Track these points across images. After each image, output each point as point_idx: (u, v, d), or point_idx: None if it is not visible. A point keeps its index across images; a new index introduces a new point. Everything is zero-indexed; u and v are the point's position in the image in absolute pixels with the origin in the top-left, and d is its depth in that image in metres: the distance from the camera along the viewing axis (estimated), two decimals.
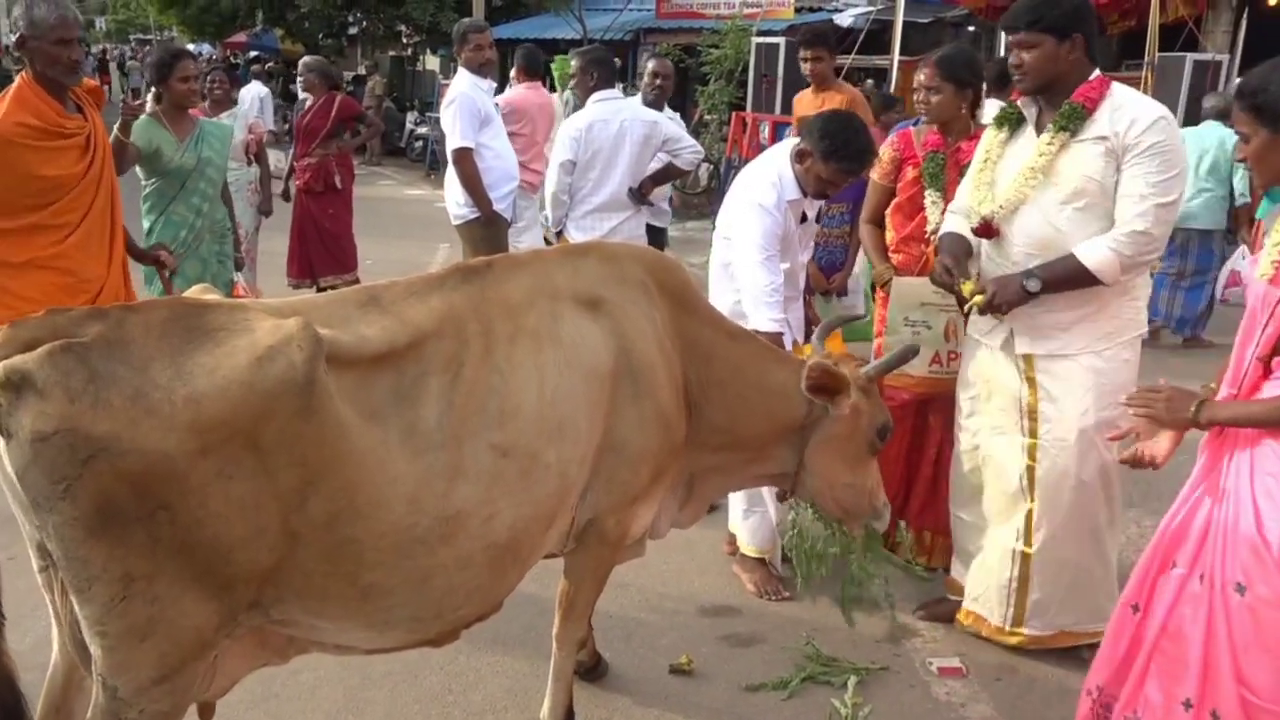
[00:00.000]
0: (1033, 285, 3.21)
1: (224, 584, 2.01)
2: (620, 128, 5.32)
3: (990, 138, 3.46)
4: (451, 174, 5.97)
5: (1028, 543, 3.46)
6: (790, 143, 3.95)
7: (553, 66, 11.30)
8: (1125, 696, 2.61)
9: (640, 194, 5.40)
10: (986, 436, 3.56)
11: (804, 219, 3.92)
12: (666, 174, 5.63)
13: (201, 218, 4.84)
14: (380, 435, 2.15)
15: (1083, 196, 3.18)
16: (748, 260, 3.70)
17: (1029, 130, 3.35)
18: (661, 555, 4.11)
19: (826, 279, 5.17)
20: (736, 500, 4.09)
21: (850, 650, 3.63)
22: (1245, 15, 13.00)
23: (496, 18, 21.85)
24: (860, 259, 5.25)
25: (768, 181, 3.77)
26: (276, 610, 2.14)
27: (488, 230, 5.85)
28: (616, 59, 6.00)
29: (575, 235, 5.39)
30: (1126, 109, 3.14)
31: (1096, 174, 3.16)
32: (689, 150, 5.41)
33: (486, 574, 2.36)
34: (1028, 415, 3.41)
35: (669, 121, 5.45)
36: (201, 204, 4.85)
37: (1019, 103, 3.38)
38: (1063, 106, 3.20)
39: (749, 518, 4.07)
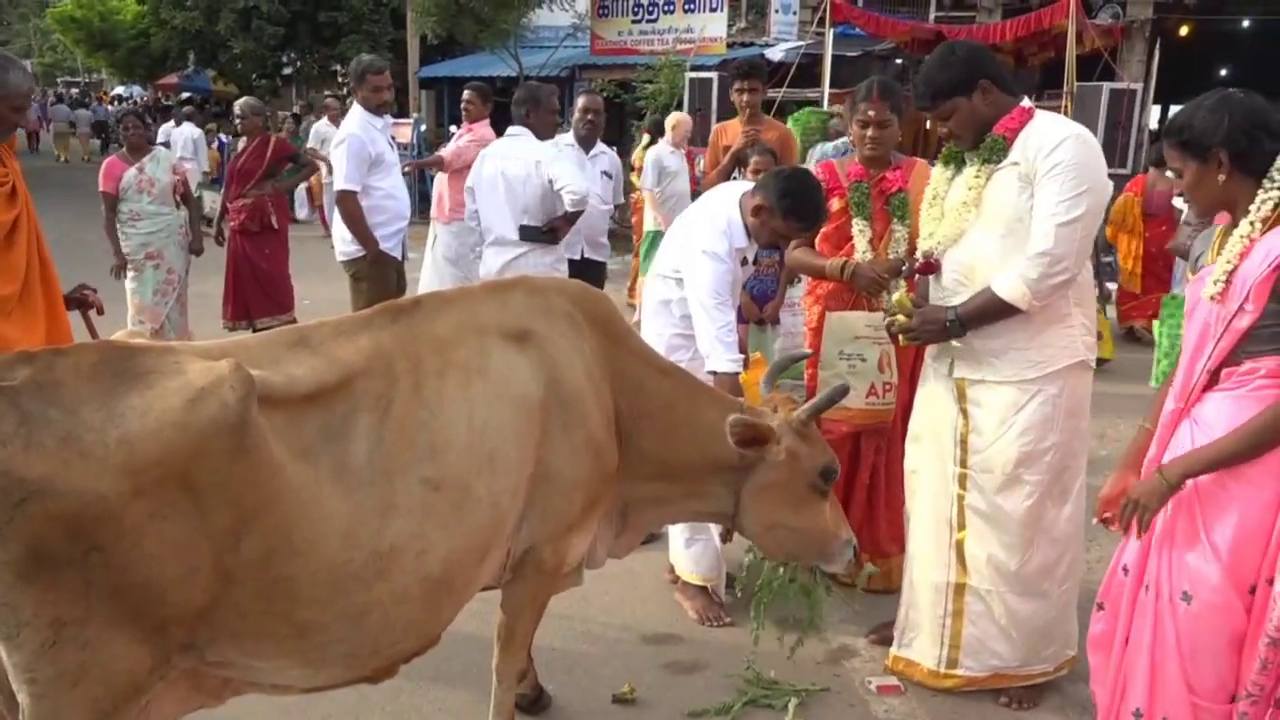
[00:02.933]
0: (955, 329, 3.29)
1: (157, 626, 2.01)
2: (495, 165, 5.31)
3: (938, 177, 3.51)
4: (338, 212, 5.91)
5: (960, 573, 3.46)
6: (736, 187, 4.02)
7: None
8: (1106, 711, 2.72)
9: (543, 232, 5.30)
10: (924, 463, 3.58)
11: (744, 262, 4.00)
12: (572, 214, 5.41)
13: None
14: (312, 473, 2.17)
15: (1002, 223, 3.24)
16: (702, 305, 3.75)
17: (968, 166, 3.39)
18: (603, 585, 4.14)
19: (759, 308, 5.25)
20: (678, 530, 4.13)
21: (791, 673, 3.67)
22: (1158, 46, 13.49)
23: (431, 56, 21.94)
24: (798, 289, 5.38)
25: (717, 229, 3.81)
26: (211, 651, 2.14)
27: (374, 269, 5.80)
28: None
29: (481, 267, 5.45)
30: (1037, 133, 3.19)
31: (1010, 199, 3.22)
32: (566, 191, 5.20)
33: (422, 607, 2.37)
34: (960, 444, 3.43)
35: (557, 161, 5.28)
36: None
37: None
38: (986, 138, 3.27)
39: (692, 545, 4.11)
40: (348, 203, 5.70)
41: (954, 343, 3.39)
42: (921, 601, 3.59)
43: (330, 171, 8.33)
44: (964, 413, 3.42)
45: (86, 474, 1.88)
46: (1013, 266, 3.19)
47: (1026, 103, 3.32)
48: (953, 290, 3.37)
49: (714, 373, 3.66)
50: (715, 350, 3.70)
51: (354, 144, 5.71)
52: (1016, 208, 3.21)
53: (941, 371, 3.49)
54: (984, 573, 3.43)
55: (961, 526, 3.45)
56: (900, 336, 3.47)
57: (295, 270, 8.06)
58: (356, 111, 5.92)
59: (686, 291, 3.84)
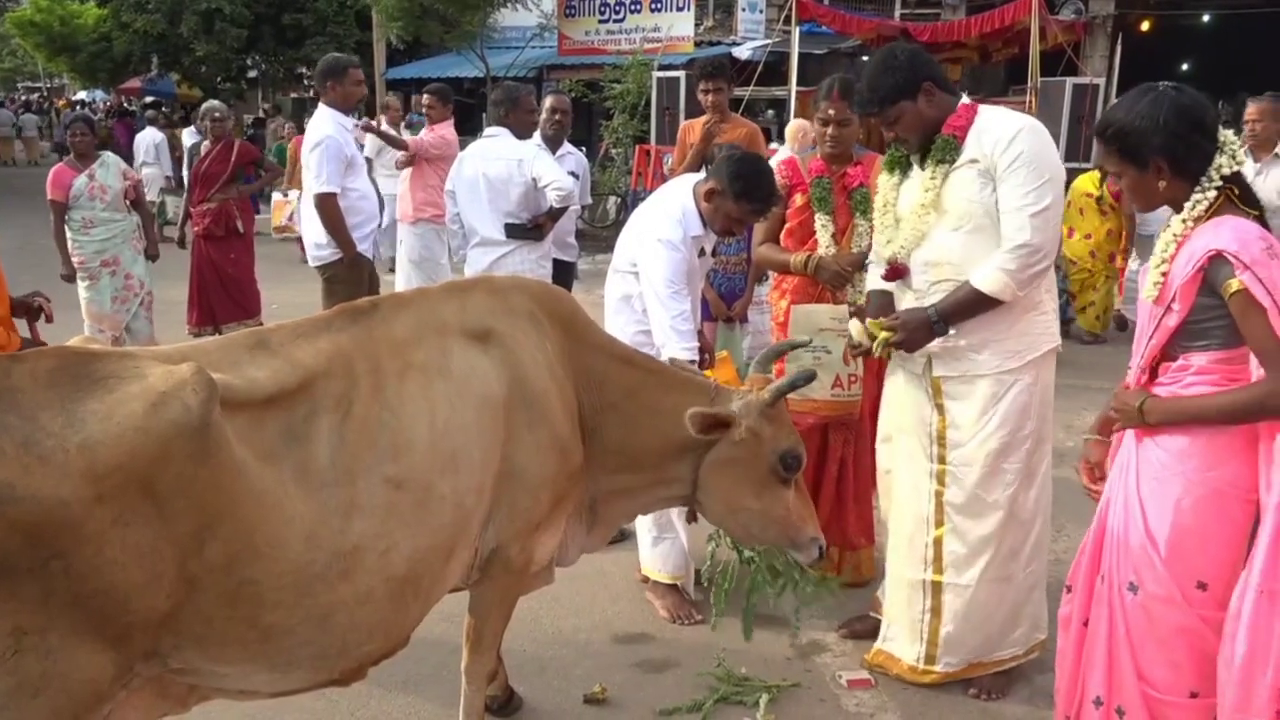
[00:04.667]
0: (940, 329, 3.28)
1: (120, 633, 1.99)
2: (476, 165, 5.37)
3: (885, 184, 3.51)
4: (309, 214, 5.90)
5: (937, 570, 3.47)
6: (690, 179, 4.04)
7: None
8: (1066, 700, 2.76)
9: (529, 229, 5.37)
10: (898, 462, 3.58)
11: (701, 253, 4.00)
12: (557, 210, 5.54)
13: None
14: (275, 475, 2.16)
15: (969, 219, 3.25)
16: (657, 294, 3.75)
17: (916, 169, 3.41)
18: (574, 585, 4.14)
19: (727, 306, 5.26)
20: (645, 529, 4.13)
21: (762, 669, 3.69)
22: (1120, 41, 13.65)
23: (398, 59, 21.84)
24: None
25: (672, 218, 3.82)
26: (175, 658, 2.12)
27: (350, 272, 5.80)
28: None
29: (467, 268, 5.49)
30: (990, 129, 3.22)
31: (974, 196, 3.24)
32: (552, 188, 5.31)
33: (388, 608, 2.37)
34: (936, 441, 3.43)
35: (539, 159, 5.37)
36: None
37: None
38: (935, 140, 3.28)
39: (659, 544, 4.11)
40: (329, 205, 5.67)
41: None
42: (899, 599, 3.60)
43: None
44: (939, 409, 3.42)
45: (47, 480, 1.86)
46: (990, 260, 3.21)
47: (966, 99, 3.35)
48: (925, 291, 3.36)
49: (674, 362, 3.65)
50: (669, 339, 3.71)
51: (332, 146, 5.68)
52: (981, 203, 3.23)
53: (914, 370, 3.48)
54: (961, 567, 3.44)
55: (939, 524, 3.45)
56: (891, 352, 3.42)
57: (262, 274, 8.02)
58: (327, 113, 5.83)
59: (641, 281, 3.84)
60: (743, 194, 3.72)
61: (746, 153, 4.17)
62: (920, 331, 3.31)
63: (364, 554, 2.28)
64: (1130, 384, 2.63)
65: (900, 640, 3.62)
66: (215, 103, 8.34)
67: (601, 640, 3.95)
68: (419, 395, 2.48)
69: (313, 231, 5.86)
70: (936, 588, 3.48)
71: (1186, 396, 2.48)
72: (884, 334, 3.33)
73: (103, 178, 6.83)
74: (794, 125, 8.41)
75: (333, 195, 5.65)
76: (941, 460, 3.44)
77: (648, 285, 3.80)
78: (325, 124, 5.78)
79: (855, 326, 3.48)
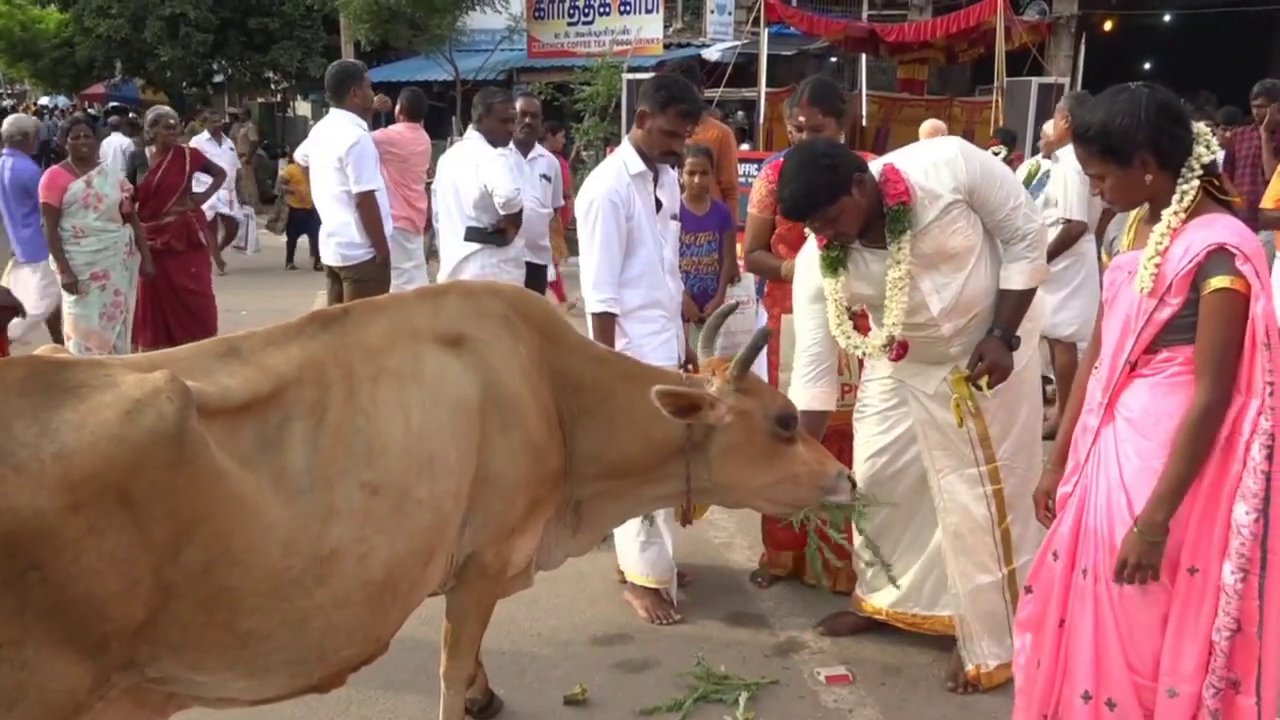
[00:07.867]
0: (1015, 343, 3.31)
1: (97, 643, 1.98)
2: (449, 170, 5.54)
3: (829, 287, 3.39)
4: (341, 215, 5.93)
5: (1008, 560, 3.47)
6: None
7: None
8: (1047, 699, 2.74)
9: (490, 233, 5.44)
10: (937, 482, 3.51)
11: (659, 206, 4.00)
12: (515, 216, 5.58)
13: None
14: (250, 482, 2.16)
15: (972, 252, 3.25)
16: (584, 248, 3.86)
17: (859, 256, 3.34)
18: (552, 588, 4.14)
19: (699, 308, 5.27)
20: (632, 535, 4.10)
21: (741, 667, 3.70)
22: (1083, 41, 13.82)
23: (366, 62, 21.72)
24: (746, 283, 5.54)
25: (610, 169, 3.93)
26: (152, 667, 2.12)
27: (381, 270, 6.02)
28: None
29: (440, 269, 5.63)
30: (935, 167, 3.22)
31: (969, 229, 3.24)
32: (495, 195, 5.34)
33: (366, 612, 2.36)
34: (979, 444, 3.42)
35: (490, 165, 5.41)
36: None
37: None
38: (886, 213, 3.21)
39: (647, 550, 4.07)
40: (372, 203, 5.84)
41: (954, 352, 3.37)
42: (977, 610, 3.53)
43: None
44: (975, 412, 3.39)
45: (23, 490, 1.86)
46: (1011, 260, 3.27)
47: (873, 165, 3.28)
48: (961, 332, 3.35)
49: (591, 314, 3.82)
50: (587, 291, 3.84)
51: (367, 144, 5.92)
52: (978, 232, 3.26)
53: (928, 389, 3.43)
54: (1026, 542, 3.46)
55: (1003, 518, 3.46)
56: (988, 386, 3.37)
57: (233, 280, 7.93)
58: (348, 117, 5.99)
59: (581, 242, 3.95)
60: (669, 100, 3.81)
61: (661, 73, 4.24)
62: (1005, 355, 3.31)
63: (341, 559, 2.28)
64: (1103, 385, 2.63)
65: (989, 648, 3.53)
66: (165, 109, 7.98)
67: (581, 641, 3.95)
68: (393, 400, 2.48)
69: (343, 231, 5.95)
70: (1012, 576, 3.47)
71: (1160, 482, 2.47)
72: (984, 381, 3.31)
73: (99, 186, 6.60)
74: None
75: (372, 192, 5.84)
76: (990, 460, 3.43)
77: (581, 241, 3.91)
78: (351, 127, 5.93)
79: (953, 408, 3.40)
